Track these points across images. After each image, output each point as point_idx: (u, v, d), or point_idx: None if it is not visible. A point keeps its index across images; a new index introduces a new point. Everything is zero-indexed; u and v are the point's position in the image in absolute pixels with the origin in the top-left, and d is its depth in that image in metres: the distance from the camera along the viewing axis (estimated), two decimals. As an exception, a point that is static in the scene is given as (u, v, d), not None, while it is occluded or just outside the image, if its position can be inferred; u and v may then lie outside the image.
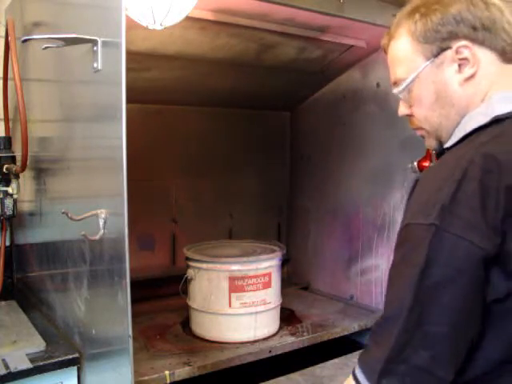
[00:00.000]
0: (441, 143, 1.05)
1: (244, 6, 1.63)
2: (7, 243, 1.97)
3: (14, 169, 1.74)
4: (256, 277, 1.81)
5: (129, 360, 1.10)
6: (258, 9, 1.66)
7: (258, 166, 2.59)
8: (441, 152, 1.06)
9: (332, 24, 1.83)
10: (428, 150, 1.26)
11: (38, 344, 1.39)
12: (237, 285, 1.79)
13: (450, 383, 0.82)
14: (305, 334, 1.90)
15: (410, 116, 1.09)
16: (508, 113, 0.92)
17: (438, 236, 0.81)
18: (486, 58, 0.97)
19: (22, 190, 1.80)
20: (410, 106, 1.06)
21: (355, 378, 0.91)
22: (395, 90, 1.06)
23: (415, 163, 1.30)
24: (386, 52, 1.12)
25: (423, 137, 1.09)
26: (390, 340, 0.83)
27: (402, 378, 0.83)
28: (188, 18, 1.39)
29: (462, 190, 0.81)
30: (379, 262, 2.18)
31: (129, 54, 1.04)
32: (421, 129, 1.08)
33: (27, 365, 1.27)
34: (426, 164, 1.26)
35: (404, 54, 1.04)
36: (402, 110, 1.09)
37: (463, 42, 0.96)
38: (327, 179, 2.42)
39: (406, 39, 1.03)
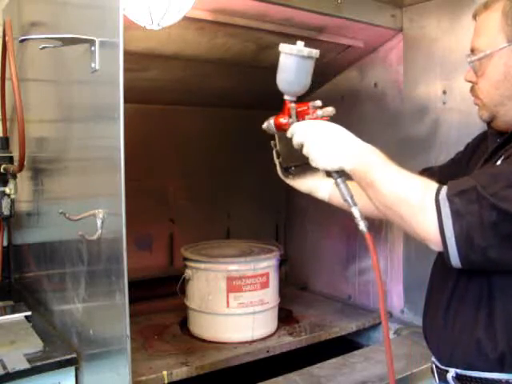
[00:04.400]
0: (492, 118, 1.14)
1: (242, 7, 1.63)
2: (5, 243, 1.97)
3: (11, 169, 1.74)
4: (254, 277, 1.81)
5: (127, 360, 1.09)
6: (255, 9, 1.66)
7: (256, 166, 2.59)
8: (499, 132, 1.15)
9: (329, 24, 1.84)
10: (286, 104, 1.25)
11: (35, 344, 1.38)
12: (234, 285, 1.79)
13: None
14: (302, 334, 1.90)
15: (473, 83, 1.17)
16: None
17: None
18: None
19: (20, 190, 1.79)
20: (477, 76, 1.14)
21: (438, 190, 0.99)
22: (469, 59, 1.15)
23: (272, 120, 1.30)
24: (474, 17, 1.16)
25: (477, 105, 1.18)
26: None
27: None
28: (186, 18, 1.39)
29: None
30: (377, 262, 2.18)
31: (127, 54, 1.04)
32: (478, 98, 1.17)
33: (25, 365, 1.26)
34: (284, 120, 1.24)
35: (490, 28, 1.10)
36: (470, 76, 1.17)
37: None
38: (325, 179, 2.42)
39: (498, 16, 1.08)
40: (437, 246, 0.98)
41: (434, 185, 1.01)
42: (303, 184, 1.62)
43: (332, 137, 1.16)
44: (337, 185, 1.16)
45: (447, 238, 0.95)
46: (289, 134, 1.24)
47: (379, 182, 1.07)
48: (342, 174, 1.14)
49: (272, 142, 1.64)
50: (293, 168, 1.63)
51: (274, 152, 1.63)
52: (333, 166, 1.14)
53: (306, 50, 1.20)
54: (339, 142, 1.15)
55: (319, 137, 1.17)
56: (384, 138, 2.09)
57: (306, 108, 1.23)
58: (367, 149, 1.13)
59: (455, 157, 1.41)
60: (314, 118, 1.21)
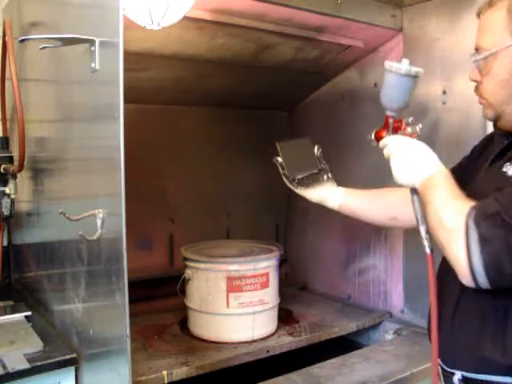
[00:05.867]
0: (498, 117, 1.13)
1: (242, 7, 1.63)
2: (5, 243, 1.97)
3: (11, 169, 1.74)
4: (254, 277, 1.81)
5: (127, 360, 1.09)
6: (255, 9, 1.66)
7: (256, 166, 2.59)
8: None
9: (329, 24, 1.84)
10: (386, 119, 1.28)
11: (35, 344, 1.38)
12: (234, 285, 1.79)
13: None
14: (302, 333, 1.90)
15: (477, 83, 1.15)
16: None
17: None
18: None
19: (20, 190, 1.79)
20: (482, 75, 1.12)
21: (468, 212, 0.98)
22: (474, 58, 1.13)
23: (373, 135, 1.33)
24: (478, 15, 1.14)
25: (482, 105, 1.16)
26: None
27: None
28: (186, 18, 1.39)
29: None
30: (376, 262, 2.18)
31: (126, 54, 1.04)
32: (483, 98, 1.15)
33: (25, 365, 1.26)
34: (384, 134, 1.28)
35: (496, 26, 1.08)
36: (474, 75, 1.15)
37: None
38: (325, 179, 2.42)
39: (503, 14, 1.06)
40: (465, 274, 0.96)
41: (468, 207, 0.98)
42: (313, 194, 1.63)
43: (410, 155, 1.17)
44: (412, 201, 1.18)
45: (475, 263, 0.93)
46: (380, 145, 1.27)
47: (429, 204, 1.08)
48: (418, 192, 1.16)
49: (276, 157, 1.63)
50: (299, 177, 1.64)
51: (278, 164, 1.63)
52: (407, 182, 1.17)
53: (404, 69, 1.20)
54: (415, 160, 1.16)
55: (400, 153, 1.19)
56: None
57: (400, 124, 1.27)
58: (435, 170, 1.12)
59: (462, 161, 1.39)
60: (403, 135, 1.24)
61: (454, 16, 1.78)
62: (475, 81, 1.16)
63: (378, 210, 1.58)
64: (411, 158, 1.17)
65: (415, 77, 1.21)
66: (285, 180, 1.64)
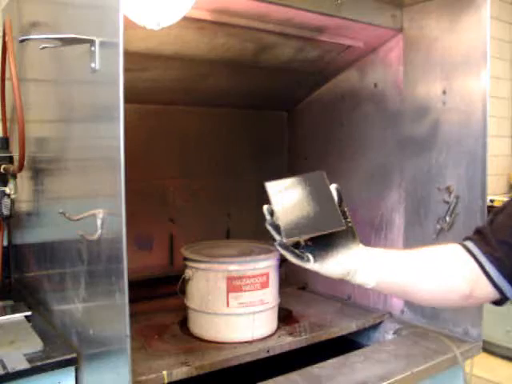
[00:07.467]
0: None
1: (242, 7, 1.63)
2: (5, 243, 1.97)
3: (11, 169, 1.74)
4: (254, 277, 1.81)
5: (127, 360, 1.10)
6: (255, 9, 1.66)
7: (256, 166, 2.59)
8: None
9: (329, 24, 1.84)
10: None
11: (35, 344, 1.38)
12: (234, 285, 1.79)
13: None
14: (303, 333, 1.90)
15: None
16: None
17: None
18: None
19: (20, 190, 1.80)
20: None
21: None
22: None
23: None
24: None
25: None
26: None
27: None
28: (186, 19, 1.39)
29: None
30: (377, 262, 2.18)
31: (127, 54, 1.04)
32: None
33: (25, 365, 1.26)
34: None
35: None
36: None
37: None
38: (325, 179, 2.42)
39: None
40: None
41: None
42: (334, 267, 1.07)
43: None
44: None
45: None
46: None
47: None
48: None
49: (265, 207, 1.07)
50: (303, 243, 1.07)
51: (269, 226, 1.04)
52: None
53: None
54: None
55: None
56: (384, 138, 2.10)
57: None
58: None
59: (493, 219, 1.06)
60: None
61: (454, 16, 1.78)
62: None
63: (443, 287, 1.01)
64: None
65: None
66: (280, 249, 1.07)
